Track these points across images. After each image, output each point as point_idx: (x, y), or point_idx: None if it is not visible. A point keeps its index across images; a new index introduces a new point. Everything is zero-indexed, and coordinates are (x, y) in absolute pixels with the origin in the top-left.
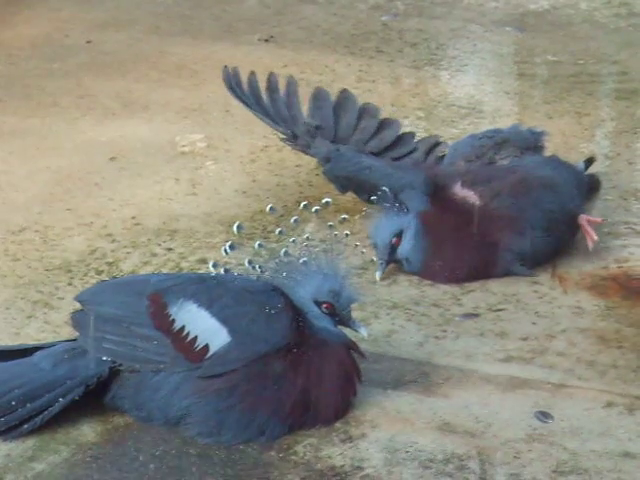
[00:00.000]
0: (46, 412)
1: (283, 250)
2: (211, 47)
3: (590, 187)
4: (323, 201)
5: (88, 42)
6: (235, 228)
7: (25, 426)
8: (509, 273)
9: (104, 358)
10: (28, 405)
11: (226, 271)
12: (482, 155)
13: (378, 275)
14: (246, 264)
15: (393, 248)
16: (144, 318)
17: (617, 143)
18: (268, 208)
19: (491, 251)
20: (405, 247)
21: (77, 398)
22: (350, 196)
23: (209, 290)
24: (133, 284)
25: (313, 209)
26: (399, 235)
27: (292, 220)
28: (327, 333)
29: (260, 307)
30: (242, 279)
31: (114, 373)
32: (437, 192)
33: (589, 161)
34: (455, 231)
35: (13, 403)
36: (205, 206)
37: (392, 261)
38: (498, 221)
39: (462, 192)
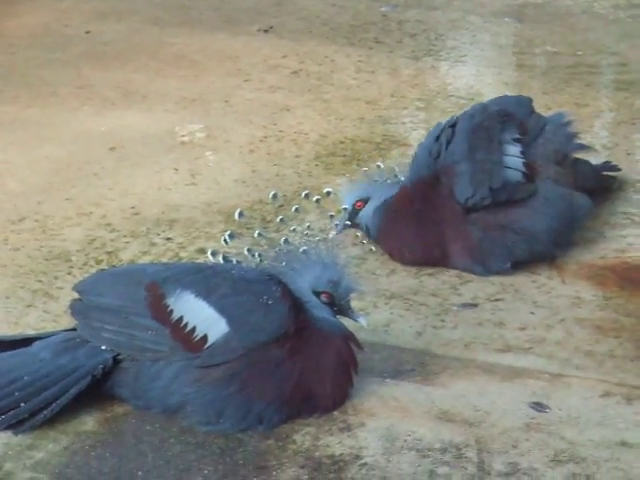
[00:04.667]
0: (54, 404)
1: (283, 239)
2: (210, 37)
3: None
4: (324, 191)
5: (87, 32)
6: (237, 215)
7: (36, 418)
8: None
9: (103, 347)
10: (35, 398)
11: (225, 259)
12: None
13: (331, 234)
14: (245, 252)
15: (355, 211)
16: (142, 308)
17: (616, 134)
18: (270, 195)
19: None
20: (365, 213)
21: (84, 388)
22: None
23: (206, 280)
24: (130, 274)
25: (314, 199)
26: (365, 200)
27: (293, 209)
28: (325, 323)
29: (258, 296)
30: (239, 268)
31: (115, 362)
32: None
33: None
34: (413, 217)
35: (18, 395)
36: (204, 196)
37: (353, 224)
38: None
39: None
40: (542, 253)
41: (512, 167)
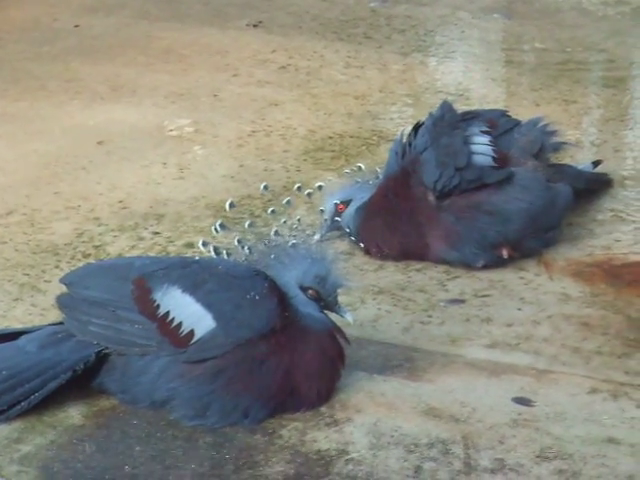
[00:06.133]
0: (32, 397)
1: (273, 230)
2: (199, 32)
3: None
4: (316, 185)
5: (76, 26)
6: (227, 205)
7: (12, 410)
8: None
9: (89, 342)
10: (16, 390)
11: (215, 250)
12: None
13: (316, 236)
14: (235, 244)
15: (337, 213)
16: (129, 302)
17: (604, 130)
18: (262, 186)
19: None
20: (347, 215)
21: (64, 383)
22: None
23: (193, 275)
24: (118, 268)
25: (306, 192)
26: (346, 202)
27: (284, 201)
28: (311, 319)
29: (244, 292)
30: (226, 263)
31: (101, 357)
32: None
33: (596, 163)
34: (390, 215)
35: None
36: (192, 190)
37: (335, 226)
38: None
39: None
40: (518, 239)
41: (481, 152)
